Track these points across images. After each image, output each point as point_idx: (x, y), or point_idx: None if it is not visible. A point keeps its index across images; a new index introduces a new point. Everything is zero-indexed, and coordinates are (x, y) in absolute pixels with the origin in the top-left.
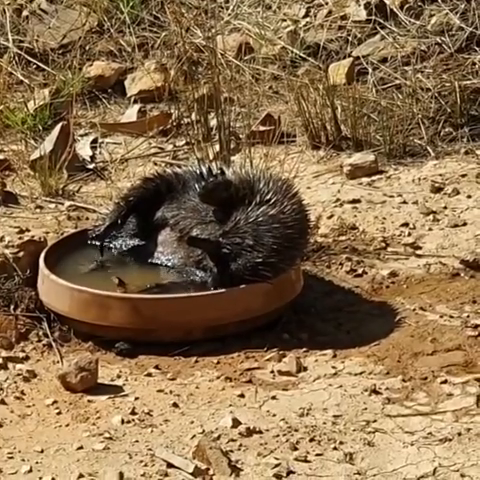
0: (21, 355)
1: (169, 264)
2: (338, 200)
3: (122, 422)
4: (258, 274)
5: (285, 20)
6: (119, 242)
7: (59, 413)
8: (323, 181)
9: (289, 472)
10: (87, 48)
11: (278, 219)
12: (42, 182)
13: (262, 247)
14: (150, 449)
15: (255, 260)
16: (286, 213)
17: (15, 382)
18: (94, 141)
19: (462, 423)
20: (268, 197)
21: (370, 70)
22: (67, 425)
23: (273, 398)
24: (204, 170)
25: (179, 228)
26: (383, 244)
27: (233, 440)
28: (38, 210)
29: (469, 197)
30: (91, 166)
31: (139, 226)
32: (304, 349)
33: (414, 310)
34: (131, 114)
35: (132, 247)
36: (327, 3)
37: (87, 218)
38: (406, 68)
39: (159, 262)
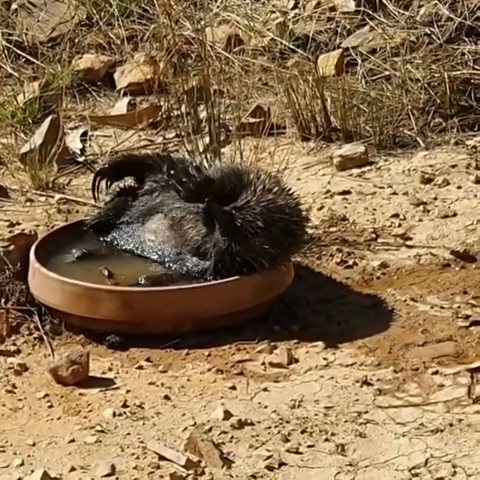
0: (12, 348)
1: (161, 253)
2: (328, 191)
3: (114, 415)
4: (258, 261)
5: (274, 12)
6: (112, 230)
7: (51, 406)
8: (313, 172)
9: (281, 464)
10: (76, 41)
11: (285, 211)
12: (32, 175)
13: (269, 234)
14: (142, 442)
15: (262, 246)
16: (290, 207)
17: (6, 375)
18: (84, 134)
19: (454, 414)
20: (270, 187)
21: (359, 61)
22: (59, 418)
23: (264, 390)
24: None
25: (171, 215)
26: (373, 235)
27: (225, 432)
28: (28, 203)
29: (459, 188)
30: (81, 159)
31: (132, 211)
32: (295, 341)
33: (405, 301)
34: (121, 107)
35: (124, 235)
36: None
37: (77, 211)
38: (395, 59)
39: (151, 251)
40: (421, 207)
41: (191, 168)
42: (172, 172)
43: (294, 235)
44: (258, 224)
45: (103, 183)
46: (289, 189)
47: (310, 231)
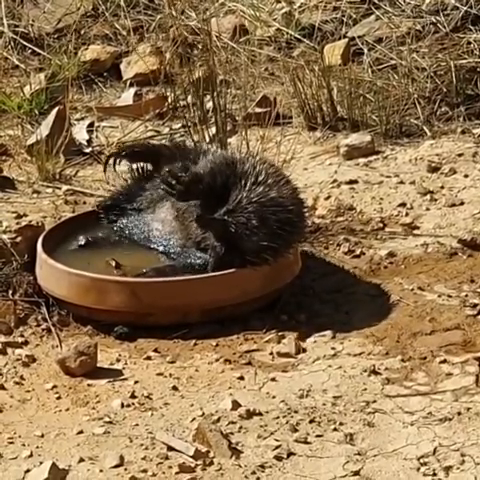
0: (20, 340)
1: (166, 244)
2: (335, 181)
3: (122, 406)
4: (260, 257)
5: (280, 1)
6: (122, 216)
7: (59, 398)
8: (320, 162)
9: (289, 454)
10: (82, 32)
11: (279, 202)
12: (39, 167)
13: (267, 229)
14: (150, 432)
15: (260, 243)
16: (284, 196)
17: (14, 367)
18: (90, 125)
19: (462, 402)
20: (262, 178)
21: (365, 51)
22: (67, 409)
23: (272, 380)
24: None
25: (177, 206)
26: (381, 224)
27: (233, 422)
28: (35, 195)
29: (466, 176)
30: (88, 150)
31: (144, 197)
32: (303, 330)
33: (412, 290)
34: (127, 97)
35: (133, 223)
36: None
37: (84, 202)
38: (401, 48)
39: (158, 242)
40: (428, 196)
41: (179, 167)
42: (162, 174)
43: (292, 224)
44: (253, 223)
45: (117, 167)
46: (285, 177)
47: (309, 217)
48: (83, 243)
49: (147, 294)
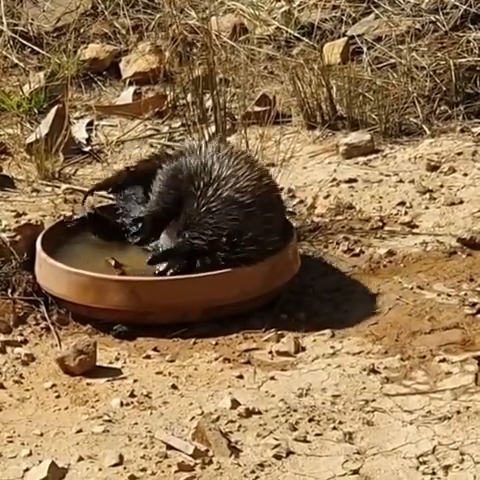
0: (19, 339)
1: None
2: (334, 180)
3: (121, 405)
4: (242, 259)
5: (279, 0)
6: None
7: (58, 396)
8: (319, 161)
9: (289, 452)
10: (81, 31)
11: (234, 199)
12: (38, 165)
13: (224, 233)
14: (149, 431)
15: (232, 256)
16: (243, 189)
17: (14, 366)
18: (90, 124)
19: (461, 401)
20: (216, 174)
21: (365, 49)
22: (66, 408)
23: (272, 379)
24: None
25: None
26: (380, 223)
27: (232, 421)
28: (34, 194)
29: (465, 175)
30: (87, 149)
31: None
32: (302, 329)
33: (411, 289)
34: (126, 96)
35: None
36: None
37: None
38: (401, 47)
39: (152, 245)
40: (427, 195)
41: (138, 198)
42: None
43: (258, 220)
44: (208, 234)
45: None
46: (247, 163)
47: (286, 200)
48: (91, 249)
49: (146, 293)
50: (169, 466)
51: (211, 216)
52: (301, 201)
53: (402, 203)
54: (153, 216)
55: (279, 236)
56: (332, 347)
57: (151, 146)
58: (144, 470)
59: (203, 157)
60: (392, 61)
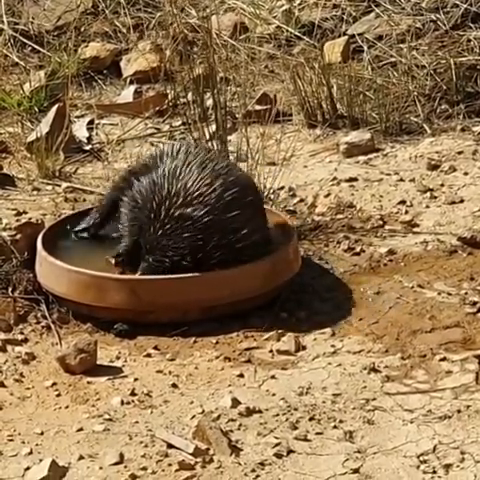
0: (20, 337)
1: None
2: (335, 178)
3: (122, 403)
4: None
5: None
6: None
7: (58, 395)
8: (320, 160)
9: (289, 451)
10: (82, 29)
11: (187, 216)
12: (39, 164)
13: (185, 251)
14: (150, 430)
15: (202, 267)
16: (194, 202)
17: (14, 364)
18: (90, 122)
19: (461, 400)
20: (166, 193)
21: (365, 48)
22: (67, 407)
23: (272, 377)
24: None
25: None
26: (380, 222)
27: (233, 420)
28: (35, 192)
29: (466, 174)
30: (88, 147)
31: None
32: (303, 328)
33: (412, 288)
34: (127, 95)
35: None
36: None
37: (84, 199)
38: (401, 46)
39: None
40: (428, 194)
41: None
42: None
43: (220, 225)
44: (169, 255)
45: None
46: (205, 167)
47: (260, 192)
48: (91, 248)
49: (147, 292)
50: (170, 465)
51: (168, 238)
52: (302, 200)
53: (402, 202)
54: (128, 251)
55: (259, 225)
56: (332, 346)
57: (152, 145)
58: (145, 469)
59: (154, 174)
60: (393, 60)
